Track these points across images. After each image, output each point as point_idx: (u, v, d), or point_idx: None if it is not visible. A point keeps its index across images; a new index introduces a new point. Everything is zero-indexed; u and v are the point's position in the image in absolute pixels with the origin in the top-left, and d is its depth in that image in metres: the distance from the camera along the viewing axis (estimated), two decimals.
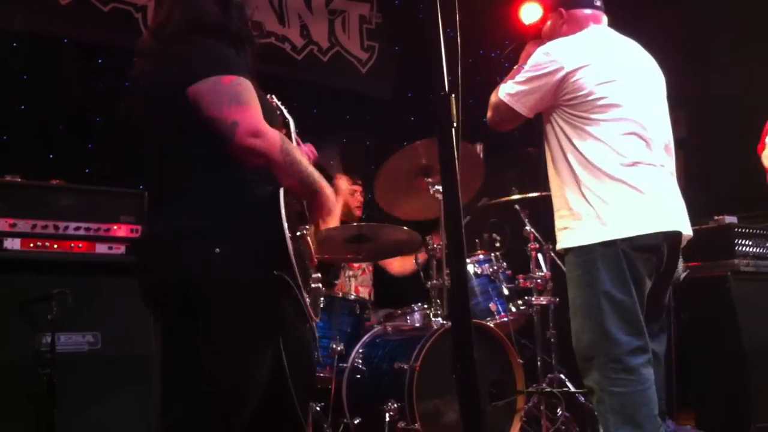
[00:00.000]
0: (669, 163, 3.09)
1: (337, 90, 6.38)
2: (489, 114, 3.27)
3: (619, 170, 2.92)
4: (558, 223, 3.10)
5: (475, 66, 6.11)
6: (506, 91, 3.14)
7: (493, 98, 3.22)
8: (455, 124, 1.91)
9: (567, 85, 2.99)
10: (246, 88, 2.17)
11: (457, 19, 2.03)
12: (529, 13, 6.36)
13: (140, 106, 2.32)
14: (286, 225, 2.12)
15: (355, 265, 4.94)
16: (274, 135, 2.15)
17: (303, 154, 2.47)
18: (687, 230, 3.05)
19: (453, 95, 1.92)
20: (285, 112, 2.80)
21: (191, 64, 2.18)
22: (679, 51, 4.36)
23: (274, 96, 2.81)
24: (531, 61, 3.10)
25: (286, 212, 2.15)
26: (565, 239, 3.04)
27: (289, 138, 2.56)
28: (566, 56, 3.01)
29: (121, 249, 3.76)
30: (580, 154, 2.97)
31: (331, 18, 6.45)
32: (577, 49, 3.04)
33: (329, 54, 6.42)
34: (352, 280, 4.90)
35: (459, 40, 1.98)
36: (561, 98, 3.02)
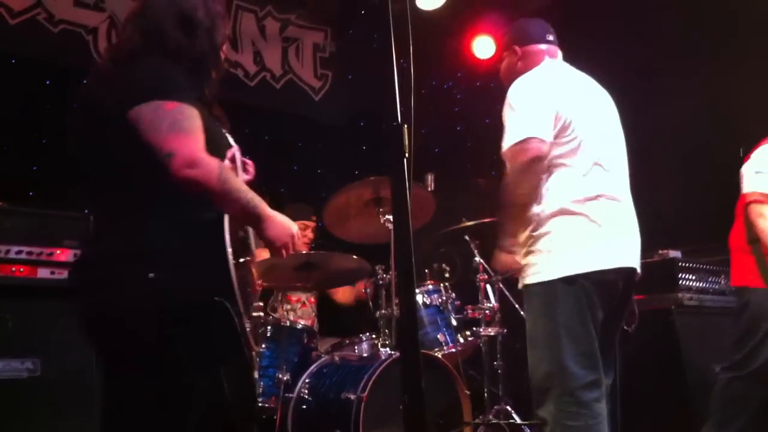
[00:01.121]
0: (628, 196, 3.12)
1: (290, 117, 6.38)
2: (517, 182, 2.94)
3: (581, 204, 2.93)
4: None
5: (428, 97, 6.18)
6: (512, 141, 2.94)
7: (511, 173, 2.95)
8: (407, 155, 1.91)
9: None
10: (188, 116, 2.13)
11: (411, 50, 2.05)
12: (482, 47, 6.46)
13: (84, 126, 2.27)
14: (230, 251, 2.09)
15: (293, 297, 4.87)
16: (210, 164, 2.11)
17: (245, 174, 2.53)
18: (638, 268, 3.09)
19: (406, 126, 1.93)
20: (230, 139, 2.81)
21: (136, 85, 2.15)
22: (625, 83, 4.45)
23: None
24: (512, 101, 3.03)
25: (229, 239, 2.13)
26: (525, 276, 3.03)
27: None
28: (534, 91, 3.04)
29: (63, 274, 3.68)
30: (543, 186, 2.97)
31: (285, 45, 6.46)
32: (539, 83, 3.07)
33: (282, 81, 6.42)
34: (290, 313, 4.84)
35: (412, 71, 1.99)
36: None
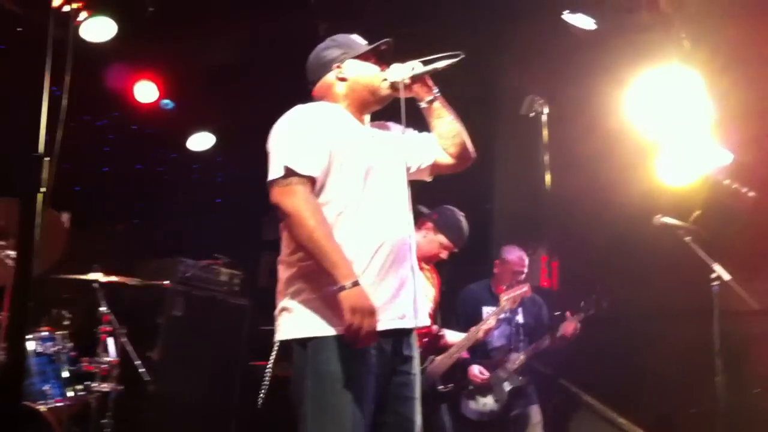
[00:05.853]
0: None
1: None
2: None
3: None
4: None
5: (78, 131, 5.86)
6: None
7: None
8: (43, 189, 1.78)
9: None
10: None
11: (68, 79, 1.93)
12: (145, 91, 6.31)
13: None
14: None
15: None
16: None
17: None
18: None
19: (47, 158, 1.79)
20: None
21: None
22: None
23: None
24: None
25: None
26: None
27: None
28: None
29: None
30: None
31: None
32: None
33: None
34: None
35: (65, 101, 1.88)
36: None
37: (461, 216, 4.37)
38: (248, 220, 6.92)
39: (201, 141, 6.65)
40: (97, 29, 5.65)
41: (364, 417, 2.46)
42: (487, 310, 4.96)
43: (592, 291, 5.15)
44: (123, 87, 6.32)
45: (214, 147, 6.69)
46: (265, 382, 2.57)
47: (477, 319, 4.84)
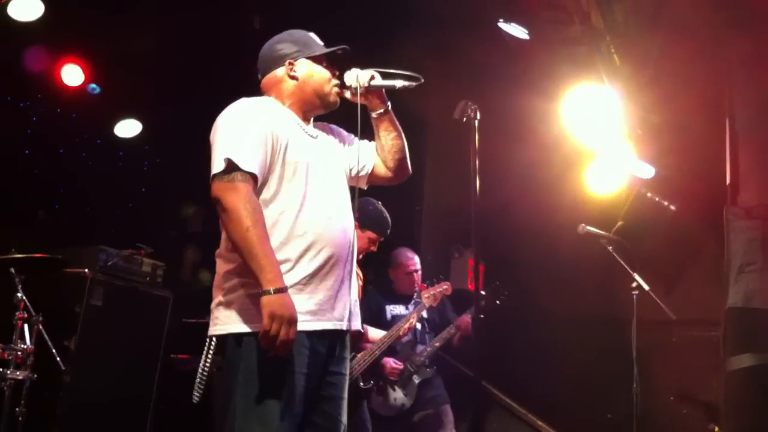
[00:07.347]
0: None
1: None
2: None
3: None
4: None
5: None
6: None
7: None
8: None
9: None
10: None
11: None
12: (71, 73, 6.14)
13: None
14: None
15: None
16: None
17: None
18: None
19: None
20: None
21: None
22: None
23: None
24: None
25: None
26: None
27: None
28: None
29: None
30: None
31: None
32: None
33: None
34: None
35: None
36: None
37: (379, 204, 4.41)
38: (173, 211, 6.79)
39: (128, 128, 6.49)
40: (24, 8, 5.48)
41: (293, 416, 2.43)
42: (390, 309, 5.03)
43: (493, 281, 5.25)
44: (49, 69, 6.12)
45: (141, 134, 6.54)
46: (202, 377, 2.52)
47: (381, 317, 4.90)
